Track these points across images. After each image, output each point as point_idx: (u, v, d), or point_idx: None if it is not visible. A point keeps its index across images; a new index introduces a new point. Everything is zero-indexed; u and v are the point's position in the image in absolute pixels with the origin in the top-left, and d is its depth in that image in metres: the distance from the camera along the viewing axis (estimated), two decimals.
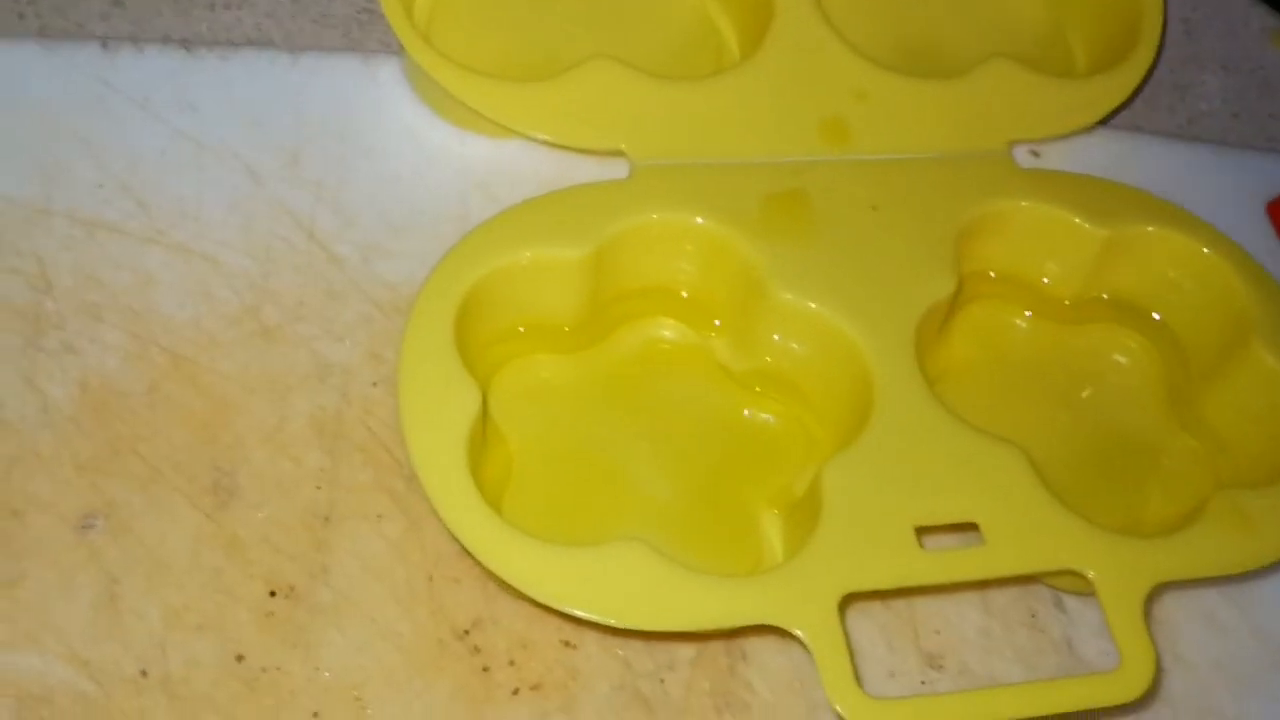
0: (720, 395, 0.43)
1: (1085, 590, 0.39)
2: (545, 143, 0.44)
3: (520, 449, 0.41)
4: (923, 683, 0.40)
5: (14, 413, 0.39)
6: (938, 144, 0.46)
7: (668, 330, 0.44)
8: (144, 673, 0.37)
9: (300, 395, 0.41)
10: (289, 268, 0.43)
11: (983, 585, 0.41)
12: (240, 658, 0.37)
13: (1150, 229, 0.45)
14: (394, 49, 0.47)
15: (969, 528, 0.39)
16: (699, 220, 0.42)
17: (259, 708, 0.37)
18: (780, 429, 0.43)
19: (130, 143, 0.44)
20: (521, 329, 0.42)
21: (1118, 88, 0.48)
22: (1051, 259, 0.46)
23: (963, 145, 0.46)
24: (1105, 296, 0.46)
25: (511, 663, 0.38)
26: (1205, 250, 0.45)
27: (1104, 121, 0.49)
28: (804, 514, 0.39)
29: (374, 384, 0.41)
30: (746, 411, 0.43)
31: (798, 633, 0.35)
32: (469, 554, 0.37)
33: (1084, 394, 0.46)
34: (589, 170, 0.44)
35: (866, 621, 0.40)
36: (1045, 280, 0.46)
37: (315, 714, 0.37)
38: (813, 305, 0.41)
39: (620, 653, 0.39)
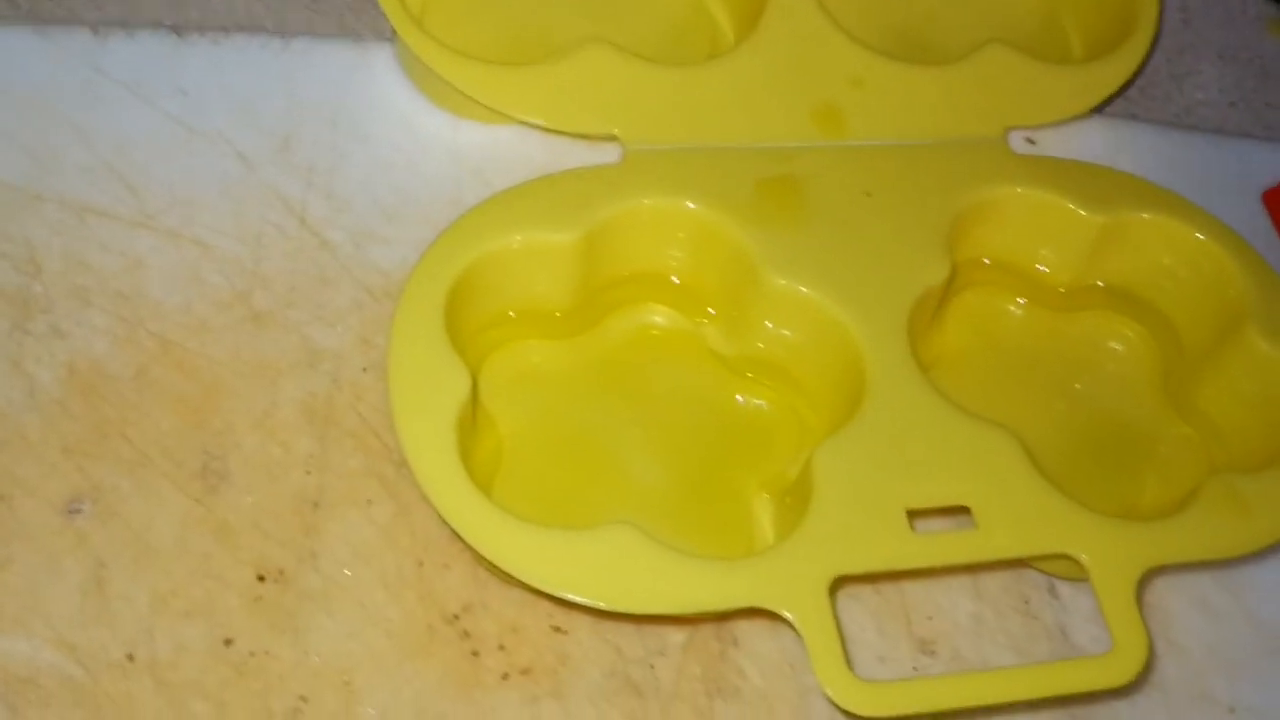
0: (712, 381, 0.43)
1: (1078, 576, 0.39)
2: (538, 127, 0.44)
3: (511, 435, 0.41)
4: (914, 668, 0.40)
5: (0, 396, 0.39)
6: (933, 130, 0.46)
7: (659, 316, 0.44)
8: (131, 657, 0.36)
9: (290, 380, 0.41)
10: (280, 253, 0.43)
11: (975, 570, 0.41)
12: (228, 642, 0.37)
13: (1145, 215, 0.45)
14: (387, 35, 0.47)
15: (961, 511, 0.38)
16: (690, 205, 0.42)
17: (247, 692, 0.36)
18: (772, 415, 0.43)
19: (121, 128, 0.44)
20: (512, 314, 0.42)
21: (1114, 74, 0.48)
22: (1046, 246, 0.46)
23: (958, 131, 0.46)
24: (1100, 284, 0.46)
25: (501, 647, 0.38)
26: (1200, 236, 0.44)
27: (1101, 110, 0.49)
28: (795, 498, 0.39)
29: (364, 370, 0.41)
30: (739, 397, 0.43)
31: (787, 615, 0.35)
32: (458, 538, 0.36)
33: (1079, 382, 0.46)
34: (582, 156, 0.44)
35: (858, 607, 0.40)
36: (1040, 267, 0.46)
37: (303, 698, 0.37)
38: (805, 290, 0.41)
39: (610, 638, 0.39)
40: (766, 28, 0.46)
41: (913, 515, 0.38)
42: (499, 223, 0.41)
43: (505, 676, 0.38)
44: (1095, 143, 0.49)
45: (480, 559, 0.38)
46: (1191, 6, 0.56)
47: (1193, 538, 0.39)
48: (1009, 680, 0.36)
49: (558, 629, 0.39)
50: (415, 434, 0.37)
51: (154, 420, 0.40)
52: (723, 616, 0.39)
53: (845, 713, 0.35)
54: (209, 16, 0.47)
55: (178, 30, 0.46)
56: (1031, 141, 0.48)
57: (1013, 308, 0.47)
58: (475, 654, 0.38)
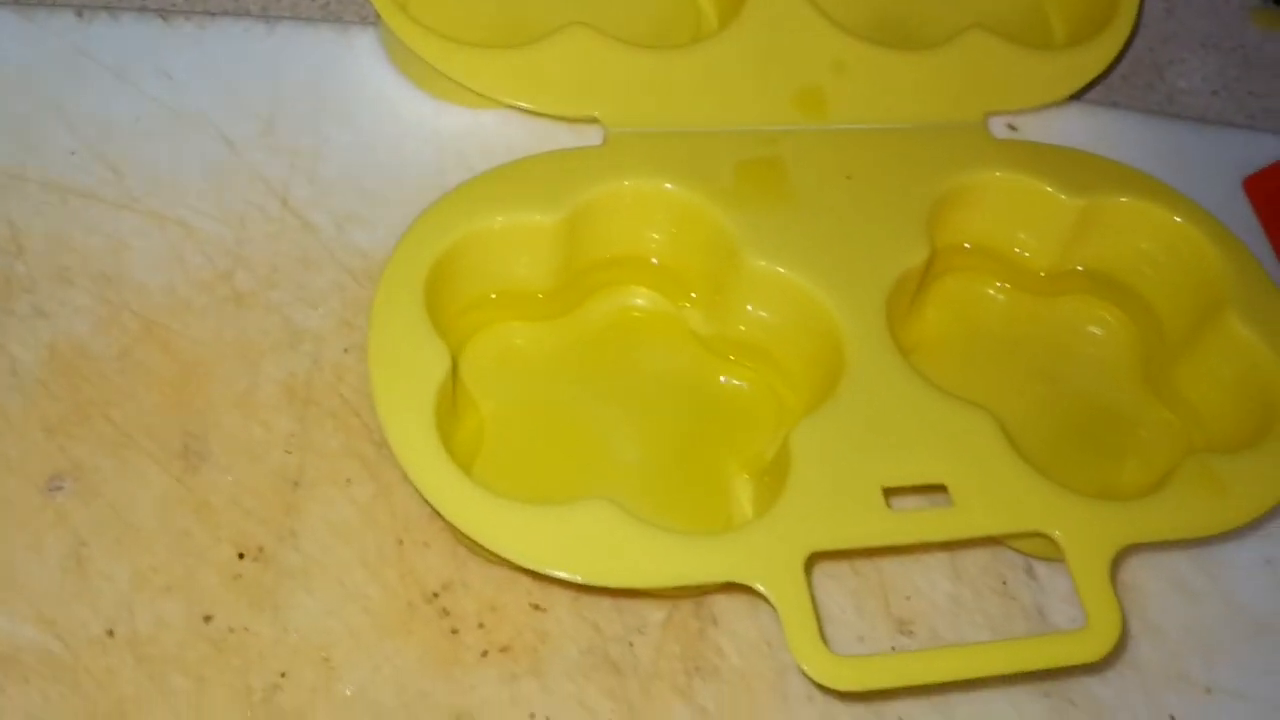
0: (692, 362, 0.43)
1: (1055, 555, 0.39)
2: (520, 109, 0.44)
3: (493, 415, 0.41)
4: (892, 647, 0.40)
5: None
6: (913, 115, 0.46)
7: (640, 299, 0.44)
8: (110, 633, 0.37)
9: (271, 361, 0.41)
10: (262, 235, 0.43)
11: (953, 550, 0.41)
12: (208, 618, 0.37)
13: (1124, 199, 0.45)
14: (370, 19, 0.47)
15: (938, 490, 0.38)
16: (670, 187, 0.42)
17: (226, 668, 0.37)
18: (752, 395, 0.43)
19: (105, 109, 0.44)
20: (494, 296, 0.42)
21: (1095, 59, 0.48)
22: (1026, 230, 0.46)
23: (938, 116, 0.46)
24: (1080, 268, 0.46)
25: (480, 625, 0.38)
26: (1178, 220, 0.45)
27: (1083, 97, 0.49)
28: (773, 477, 0.39)
29: (345, 350, 0.41)
30: (720, 378, 0.43)
31: (761, 588, 0.35)
32: (438, 517, 0.36)
33: (1059, 366, 0.46)
34: (565, 140, 0.44)
35: (836, 586, 0.40)
36: (1020, 252, 0.46)
37: (283, 674, 0.37)
38: (784, 272, 0.41)
39: (589, 616, 0.39)
40: (750, 12, 0.46)
41: (889, 493, 0.38)
42: (480, 204, 0.41)
43: (484, 654, 0.38)
44: (1076, 129, 0.49)
45: (460, 537, 0.38)
46: None
47: (1168, 517, 0.39)
48: (982, 655, 0.36)
49: (537, 607, 0.39)
50: (395, 413, 0.37)
51: (135, 400, 0.40)
52: (701, 593, 0.39)
53: (821, 687, 0.36)
54: (194, 0, 0.47)
55: (162, 13, 0.46)
56: (1013, 128, 0.48)
57: (993, 292, 0.47)
58: (454, 632, 0.38)
